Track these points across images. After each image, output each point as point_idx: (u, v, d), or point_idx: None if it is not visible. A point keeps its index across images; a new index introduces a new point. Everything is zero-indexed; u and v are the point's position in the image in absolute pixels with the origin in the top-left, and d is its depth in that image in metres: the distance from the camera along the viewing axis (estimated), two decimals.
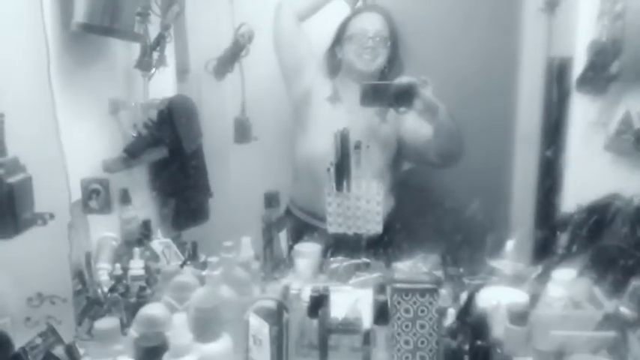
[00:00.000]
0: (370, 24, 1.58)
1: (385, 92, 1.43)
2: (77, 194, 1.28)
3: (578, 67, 1.49)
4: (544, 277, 1.23)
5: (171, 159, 1.69)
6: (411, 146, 1.63)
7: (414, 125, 1.57)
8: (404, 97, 1.42)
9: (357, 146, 1.39)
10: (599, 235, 1.33)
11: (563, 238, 1.41)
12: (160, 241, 1.50)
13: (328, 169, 1.41)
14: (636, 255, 1.21)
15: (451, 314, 1.09)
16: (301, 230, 1.57)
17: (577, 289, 1.16)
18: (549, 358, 0.97)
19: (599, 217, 1.36)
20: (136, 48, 1.53)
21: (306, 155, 1.65)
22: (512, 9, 1.79)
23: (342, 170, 1.40)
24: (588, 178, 1.48)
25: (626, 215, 1.29)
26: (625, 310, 1.10)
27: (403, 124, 1.62)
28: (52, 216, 1.00)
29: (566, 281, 1.15)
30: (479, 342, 1.03)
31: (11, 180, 0.92)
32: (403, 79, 1.43)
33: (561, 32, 1.67)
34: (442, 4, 1.84)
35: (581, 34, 1.49)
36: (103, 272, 1.34)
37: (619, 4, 1.37)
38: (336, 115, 1.61)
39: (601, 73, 1.43)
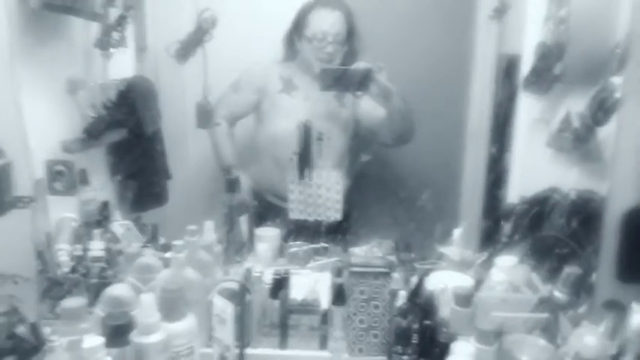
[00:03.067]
0: (330, 26, 1.60)
1: (343, 77, 1.49)
2: (36, 174, 1.27)
3: (525, 66, 1.58)
4: (488, 263, 1.31)
5: (131, 140, 1.67)
6: (366, 127, 1.70)
7: (369, 108, 1.63)
8: (360, 81, 1.48)
9: (320, 138, 1.44)
10: (539, 225, 1.43)
11: (506, 228, 1.51)
12: (119, 223, 1.51)
13: (291, 159, 1.45)
14: (570, 244, 1.31)
15: (402, 296, 1.15)
16: (267, 210, 1.61)
17: (517, 274, 1.25)
18: (489, 337, 1.05)
19: (539, 209, 1.45)
20: (95, 27, 1.51)
21: (269, 142, 1.69)
22: (466, 9, 1.86)
23: (304, 160, 1.45)
24: (531, 172, 1.57)
25: (563, 208, 1.39)
26: (558, 295, 1.20)
27: (359, 106, 1.68)
28: (32, 199, 1.00)
29: (507, 267, 1.24)
30: (427, 322, 1.10)
31: None
32: (360, 65, 1.49)
33: (511, 32, 1.76)
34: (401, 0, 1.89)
35: (528, 35, 1.57)
36: (63, 253, 1.33)
37: (563, 9, 1.44)
38: (294, 102, 1.65)
39: (545, 74, 1.51)
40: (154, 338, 0.92)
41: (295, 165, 1.45)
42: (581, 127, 1.43)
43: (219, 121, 1.69)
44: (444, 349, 1.05)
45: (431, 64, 1.87)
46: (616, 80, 1.26)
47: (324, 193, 1.47)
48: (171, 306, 0.97)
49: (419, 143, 1.74)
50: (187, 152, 1.92)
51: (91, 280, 1.25)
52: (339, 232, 1.53)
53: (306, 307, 1.15)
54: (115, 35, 1.53)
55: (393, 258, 1.42)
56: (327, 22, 1.62)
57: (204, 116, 1.68)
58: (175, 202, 1.81)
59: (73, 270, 1.28)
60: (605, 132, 1.33)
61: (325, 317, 1.15)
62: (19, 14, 1.23)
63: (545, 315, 1.14)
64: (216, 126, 1.69)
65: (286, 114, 1.62)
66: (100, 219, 1.47)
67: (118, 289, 1.08)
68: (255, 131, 1.75)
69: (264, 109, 1.70)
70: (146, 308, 0.93)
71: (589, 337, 1.01)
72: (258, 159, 1.75)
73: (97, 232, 1.38)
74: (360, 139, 1.75)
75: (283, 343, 1.13)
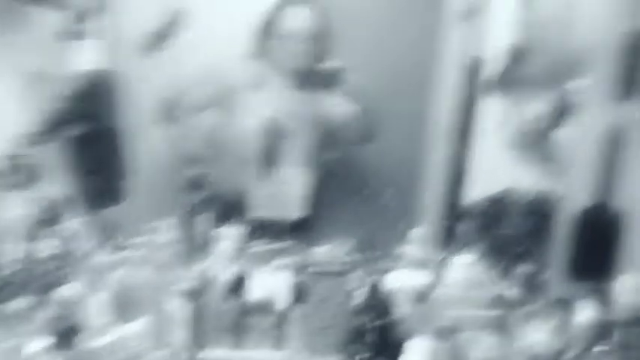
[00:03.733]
0: (301, 24, 1.60)
1: (313, 76, 1.49)
2: None
3: (489, 68, 1.60)
4: (446, 262, 1.33)
5: (89, 135, 1.64)
6: (333, 124, 1.70)
7: (337, 105, 1.64)
8: (330, 80, 1.49)
9: (285, 135, 1.44)
10: (496, 224, 1.46)
11: (464, 227, 1.53)
12: (74, 221, 1.47)
13: (255, 154, 1.44)
14: (525, 244, 1.34)
15: (359, 295, 1.16)
16: (229, 208, 1.59)
17: (473, 272, 1.27)
18: (445, 334, 1.06)
19: (496, 209, 1.49)
20: (59, 18, 1.48)
21: (233, 138, 1.67)
22: (435, 9, 1.88)
23: (269, 157, 1.44)
24: (490, 172, 1.60)
25: (519, 208, 1.42)
26: (512, 292, 1.23)
27: (328, 103, 1.69)
28: None
29: (464, 265, 1.27)
30: (383, 320, 1.11)
31: None
32: (331, 63, 1.51)
33: (477, 35, 1.78)
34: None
35: (494, 38, 1.60)
36: (14, 252, 1.30)
37: (529, 13, 1.48)
38: (261, 99, 1.64)
39: (508, 76, 1.55)
40: (104, 340, 0.90)
41: (260, 162, 1.45)
42: (540, 128, 1.46)
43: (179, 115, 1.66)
44: (400, 346, 1.06)
45: (397, 63, 1.88)
46: (576, 84, 1.29)
47: (287, 190, 1.46)
48: (123, 307, 0.95)
49: (383, 142, 1.75)
50: (147, 148, 1.89)
51: (39, 280, 1.21)
52: (301, 230, 1.52)
53: (262, 308, 1.14)
54: (79, 27, 1.49)
55: (353, 257, 1.42)
56: (297, 21, 1.61)
57: (170, 112, 1.66)
58: (133, 200, 1.77)
59: (23, 269, 1.24)
60: (563, 134, 1.37)
61: (282, 317, 1.15)
62: None
63: (498, 312, 1.16)
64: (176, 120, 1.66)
65: (252, 111, 1.60)
66: (54, 216, 1.44)
67: (66, 290, 1.05)
68: (218, 128, 1.72)
69: (229, 106, 1.68)
70: (97, 309, 0.91)
71: (539, 333, 1.03)
72: (221, 156, 1.72)
73: (50, 230, 1.35)
74: (327, 138, 1.75)
75: (239, 344, 1.12)
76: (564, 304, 1.07)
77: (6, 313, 0.93)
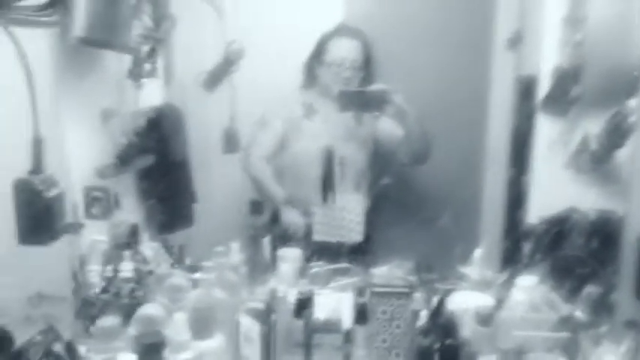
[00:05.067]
0: (348, 53, 1.68)
1: (360, 98, 1.55)
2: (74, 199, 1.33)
3: (542, 89, 1.61)
4: (509, 283, 1.33)
5: (159, 166, 1.74)
6: (384, 146, 1.75)
7: (387, 127, 1.69)
8: (377, 102, 1.55)
9: (342, 162, 1.49)
10: (559, 245, 1.44)
11: (526, 248, 1.52)
12: (148, 245, 1.56)
13: (314, 181, 1.50)
14: (590, 264, 1.32)
15: (424, 316, 1.18)
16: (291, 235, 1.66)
17: (537, 294, 1.26)
18: (510, 356, 1.06)
19: (558, 229, 1.47)
20: (127, 58, 1.59)
21: (291, 164, 1.74)
22: (484, 31, 1.91)
23: (327, 184, 1.49)
24: (550, 193, 1.59)
25: (583, 228, 1.40)
26: (579, 314, 1.21)
27: (378, 125, 1.74)
28: (81, 226, 1.07)
29: (527, 287, 1.25)
30: (448, 341, 1.12)
31: (49, 195, 0.99)
32: (377, 86, 1.55)
33: (529, 55, 1.79)
34: (418, 26, 1.95)
35: (545, 58, 1.60)
36: (94, 274, 1.39)
37: (579, 33, 1.48)
38: (315, 126, 1.71)
39: (563, 97, 1.54)
40: (185, 356, 0.96)
41: (319, 189, 1.50)
42: (598, 148, 1.45)
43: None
44: None
45: (449, 86, 1.91)
46: (632, 103, 1.28)
47: (346, 215, 1.51)
48: (200, 325, 1.01)
49: (439, 164, 1.78)
50: (213, 177, 1.98)
51: (122, 300, 1.30)
52: (359, 253, 1.56)
53: (329, 327, 1.17)
54: (146, 66, 1.60)
55: (413, 278, 1.44)
56: (345, 50, 1.69)
57: (231, 142, 1.75)
58: (201, 225, 1.86)
59: (104, 290, 1.32)
60: (623, 153, 1.35)
61: (348, 336, 1.18)
62: (59, 49, 1.31)
63: (565, 334, 1.14)
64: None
65: (308, 137, 1.68)
66: (129, 241, 1.53)
67: (149, 309, 1.13)
68: (279, 156, 1.80)
69: (288, 135, 1.76)
70: (177, 327, 0.97)
71: (610, 356, 1.02)
72: (281, 182, 1.79)
73: (126, 253, 1.43)
74: (380, 160, 1.79)
75: None
76: (635, 326, 1.05)
77: (97, 330, 1.00)
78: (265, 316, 1.08)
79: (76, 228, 1.07)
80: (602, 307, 1.20)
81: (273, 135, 1.76)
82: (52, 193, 1.00)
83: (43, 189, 0.98)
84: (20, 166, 1.02)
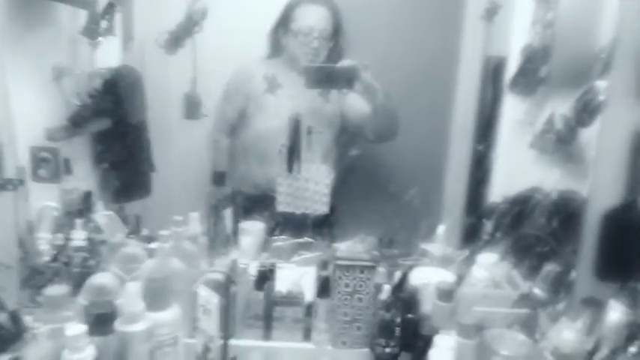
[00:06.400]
0: (316, 21, 1.62)
1: (328, 75, 1.50)
2: (20, 160, 1.26)
3: (511, 68, 1.60)
4: (470, 260, 1.33)
5: (115, 130, 1.66)
6: (351, 122, 1.72)
7: (355, 103, 1.65)
8: (345, 79, 1.50)
9: (309, 131, 1.45)
10: (520, 224, 1.46)
11: (488, 226, 1.53)
12: (102, 213, 1.49)
13: (280, 151, 1.45)
14: (550, 243, 1.34)
15: (386, 290, 1.17)
16: (251, 206, 1.61)
17: (498, 271, 1.27)
18: (470, 331, 1.07)
19: (521, 208, 1.48)
20: (82, 14, 1.49)
21: (254, 140, 1.69)
22: (454, 8, 1.88)
23: (293, 153, 1.45)
24: (514, 172, 1.60)
25: (544, 207, 1.42)
26: (538, 292, 1.23)
27: (345, 102, 1.70)
28: (21, 182, 1.00)
29: (488, 264, 1.26)
30: (410, 315, 1.12)
31: None
32: (345, 62, 1.51)
33: (498, 34, 1.78)
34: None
35: (515, 37, 1.60)
36: (44, 241, 1.32)
37: (550, 13, 1.47)
38: (279, 101, 1.66)
39: (531, 76, 1.54)
40: (138, 327, 0.92)
41: (284, 158, 1.46)
42: (564, 128, 1.45)
43: (206, 114, 1.68)
44: (426, 342, 1.07)
45: (418, 62, 1.89)
46: (600, 84, 1.29)
47: (311, 186, 1.47)
48: (155, 295, 0.97)
49: (406, 140, 1.76)
50: (172, 144, 1.91)
51: (72, 269, 1.24)
52: (325, 225, 1.53)
53: (291, 300, 1.15)
54: (103, 24, 1.51)
55: (376, 253, 1.43)
56: (313, 18, 1.63)
57: (192, 107, 1.68)
58: (158, 194, 1.80)
59: (55, 259, 1.26)
60: (588, 134, 1.36)
61: (309, 309, 1.16)
62: (7, 1, 1.21)
63: (524, 311, 1.16)
64: (203, 117, 1.68)
65: (272, 113, 1.63)
66: (82, 208, 1.46)
67: (101, 278, 1.07)
68: (241, 132, 1.75)
69: (250, 111, 1.71)
70: (131, 297, 0.92)
71: (567, 332, 1.03)
72: (243, 157, 1.75)
73: (79, 221, 1.37)
74: (347, 134, 1.76)
75: (267, 335, 1.14)
76: (592, 304, 1.07)
77: (45, 299, 0.95)
78: (225, 287, 1.05)
79: (14, 184, 0.99)
80: (560, 285, 1.23)
81: (235, 108, 1.73)
82: None
83: None
84: None
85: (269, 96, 1.67)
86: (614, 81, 1.21)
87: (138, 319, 0.92)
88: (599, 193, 1.21)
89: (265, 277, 1.16)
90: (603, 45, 1.29)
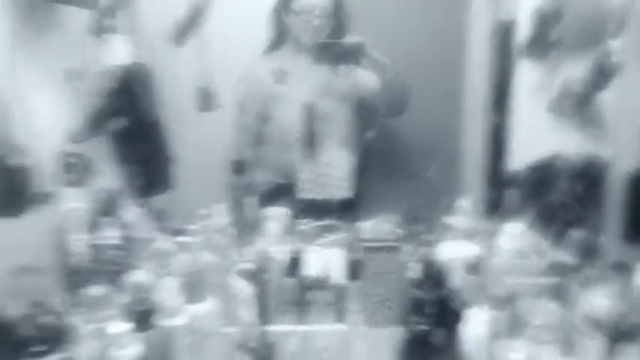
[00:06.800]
0: (317, 0, 1.60)
1: (335, 50, 1.51)
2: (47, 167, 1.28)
3: (522, 32, 1.58)
4: (495, 231, 1.33)
5: (133, 128, 1.68)
6: (364, 97, 1.72)
7: (365, 77, 1.65)
8: (352, 55, 1.51)
9: (324, 117, 1.46)
10: (544, 191, 1.45)
11: (511, 195, 1.53)
12: (129, 210, 1.52)
13: (297, 139, 1.46)
14: (575, 209, 1.33)
15: (414, 268, 1.18)
16: (275, 194, 1.63)
17: (525, 241, 1.27)
18: (502, 303, 1.08)
19: (542, 175, 1.48)
20: (89, 15, 1.50)
21: (273, 130, 1.70)
22: None
23: (310, 140, 1.46)
24: (533, 138, 1.59)
25: (567, 173, 1.41)
26: (566, 258, 1.23)
27: (356, 74, 1.69)
28: (51, 194, 1.02)
29: (515, 234, 1.26)
30: (439, 291, 1.13)
31: (10, 163, 0.93)
32: (352, 39, 1.50)
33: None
34: None
35: (525, 2, 1.57)
36: (78, 242, 1.35)
37: None
38: (291, 89, 1.66)
39: (543, 40, 1.52)
40: (179, 321, 0.95)
41: (302, 145, 1.47)
42: (580, 91, 1.44)
43: (221, 104, 1.69)
44: (458, 316, 1.08)
45: (425, 34, 1.86)
46: (614, 44, 1.27)
47: (331, 171, 1.48)
48: (192, 289, 0.99)
49: (419, 116, 1.75)
50: (190, 136, 1.92)
51: (108, 267, 1.27)
52: (347, 209, 1.54)
53: (321, 283, 1.17)
54: (106, 21, 1.52)
55: (400, 231, 1.44)
56: None
57: (206, 99, 1.69)
58: (181, 187, 1.82)
59: (90, 259, 1.29)
60: (606, 96, 1.35)
61: (340, 292, 1.18)
62: (15, 6, 1.22)
63: (554, 279, 1.16)
64: (218, 108, 1.69)
65: (287, 102, 1.63)
66: (110, 207, 1.49)
67: (138, 275, 1.10)
68: (264, 129, 1.76)
69: (266, 108, 1.71)
70: (168, 292, 0.95)
71: (598, 298, 1.04)
72: (267, 147, 1.76)
73: (108, 220, 1.40)
74: (362, 112, 1.76)
75: (301, 319, 1.16)
76: (622, 268, 1.07)
77: (85, 299, 0.98)
78: (257, 276, 1.07)
79: (45, 197, 1.02)
80: (588, 251, 1.23)
81: (253, 118, 1.72)
82: (14, 161, 0.95)
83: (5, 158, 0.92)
84: None
85: (280, 87, 1.67)
86: (628, 40, 1.19)
87: (177, 313, 0.95)
88: (622, 156, 1.21)
89: (295, 264, 1.17)
90: (615, 4, 1.26)
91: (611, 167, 1.22)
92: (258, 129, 1.74)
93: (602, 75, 1.34)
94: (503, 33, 1.73)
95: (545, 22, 1.50)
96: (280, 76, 1.66)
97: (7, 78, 1.15)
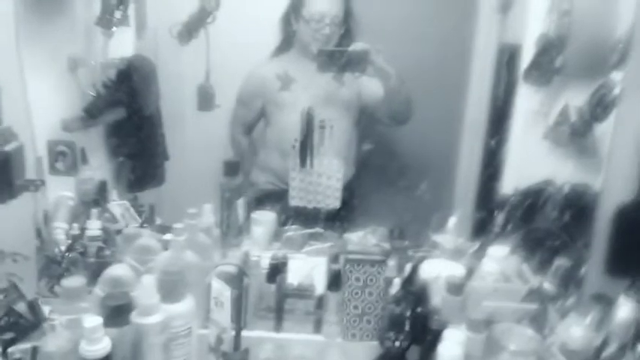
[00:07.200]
0: (329, 7, 1.61)
1: (340, 58, 1.50)
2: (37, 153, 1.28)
3: (526, 57, 1.58)
4: (480, 253, 1.33)
5: (129, 120, 1.68)
6: (368, 106, 1.72)
7: (370, 85, 1.65)
8: (357, 62, 1.51)
9: (322, 126, 1.45)
10: (532, 217, 1.45)
11: (499, 218, 1.53)
12: (117, 203, 1.51)
13: (293, 146, 1.47)
14: (562, 237, 1.33)
15: (396, 283, 1.18)
16: (266, 196, 1.63)
17: (508, 265, 1.27)
18: (479, 326, 1.07)
19: (532, 201, 1.48)
20: (96, 5, 1.50)
21: (276, 136, 1.71)
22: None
23: (305, 148, 1.46)
24: (526, 163, 1.59)
25: (557, 201, 1.41)
26: (548, 286, 1.23)
27: (360, 83, 1.70)
28: (42, 182, 1.02)
29: (499, 257, 1.26)
30: (419, 309, 1.13)
31: (7, 148, 0.93)
32: (357, 46, 1.51)
33: (513, 22, 1.76)
34: None
35: (530, 26, 1.57)
36: (60, 231, 1.35)
37: (566, 1, 1.44)
38: (295, 95, 1.66)
39: (546, 66, 1.52)
40: (153, 319, 0.94)
41: (297, 153, 1.47)
42: (578, 121, 1.43)
43: (219, 105, 1.69)
44: (436, 336, 1.07)
45: (430, 50, 1.87)
46: (616, 76, 1.27)
47: (324, 181, 1.48)
48: (170, 287, 0.99)
49: (417, 132, 1.76)
50: (185, 134, 1.93)
51: (88, 259, 1.26)
52: (336, 219, 1.54)
53: (302, 292, 1.17)
54: (117, 14, 1.52)
55: (386, 245, 1.43)
56: (324, 3, 1.62)
57: (205, 99, 1.69)
58: (172, 183, 1.82)
59: (70, 248, 1.29)
60: (603, 128, 1.35)
61: (320, 302, 1.17)
62: None
63: (534, 305, 1.16)
64: (216, 108, 1.69)
65: (290, 108, 1.63)
66: (97, 198, 1.49)
67: (117, 270, 1.10)
68: (264, 130, 1.77)
69: (269, 110, 1.73)
70: (147, 289, 0.94)
71: (576, 328, 1.04)
72: (264, 151, 1.77)
73: (94, 211, 1.39)
74: (362, 123, 1.77)
75: (278, 327, 1.16)
76: (602, 300, 1.07)
77: (62, 290, 0.97)
78: (237, 280, 1.07)
79: (37, 185, 1.02)
80: (570, 280, 1.23)
81: (252, 110, 1.77)
82: (10, 146, 0.94)
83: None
84: None
85: (284, 93, 1.68)
86: (630, 72, 1.19)
87: (153, 312, 0.94)
88: (613, 188, 1.21)
89: (277, 270, 1.17)
90: (620, 35, 1.27)
91: (600, 198, 1.22)
92: (251, 120, 1.78)
93: (602, 106, 1.34)
94: (508, 56, 1.74)
95: (549, 48, 1.51)
96: (286, 82, 1.67)
97: (8, 62, 1.14)
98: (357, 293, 1.14)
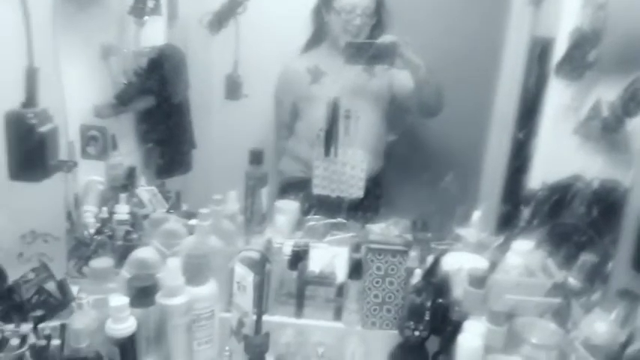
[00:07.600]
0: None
1: (368, 50, 1.49)
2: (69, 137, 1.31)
3: (558, 51, 1.55)
4: (504, 247, 1.32)
5: (159, 108, 1.71)
6: (398, 98, 1.71)
7: (401, 77, 1.65)
8: (386, 55, 1.49)
9: (347, 115, 1.46)
10: (559, 212, 1.43)
11: (525, 213, 1.51)
12: (145, 188, 1.55)
13: (318, 135, 1.47)
14: (589, 233, 1.31)
15: (418, 274, 1.18)
16: (289, 187, 1.65)
17: (533, 259, 1.26)
18: (501, 318, 1.07)
19: (560, 196, 1.45)
20: None
21: (306, 128, 1.72)
22: None
23: (330, 137, 1.47)
24: (555, 158, 1.56)
25: (585, 196, 1.38)
26: (572, 281, 1.21)
27: (391, 75, 1.69)
28: (75, 163, 1.05)
29: (523, 251, 1.24)
30: (440, 300, 1.13)
31: (42, 129, 0.96)
32: (386, 38, 1.50)
33: (546, 15, 1.72)
34: None
35: (564, 19, 1.54)
36: (89, 214, 1.39)
37: None
38: (325, 88, 1.66)
39: (579, 61, 1.49)
40: (178, 300, 0.96)
41: (321, 141, 1.47)
42: (610, 116, 1.41)
43: (247, 94, 1.71)
44: (456, 327, 1.07)
45: (461, 42, 1.84)
46: None
47: (348, 170, 1.49)
48: (195, 271, 1.01)
49: (445, 124, 1.74)
50: (212, 123, 1.95)
51: (116, 242, 1.30)
52: (359, 209, 1.55)
53: (323, 280, 1.18)
54: (150, 3, 1.55)
55: (409, 236, 1.43)
56: None
57: (234, 88, 1.71)
58: (198, 171, 1.85)
59: (99, 231, 1.33)
60: (635, 123, 1.32)
61: (341, 290, 1.18)
62: None
63: (557, 300, 1.15)
64: (244, 97, 1.71)
65: (320, 101, 1.63)
66: (126, 183, 1.52)
67: (144, 252, 1.13)
68: (297, 126, 1.78)
69: (300, 106, 1.73)
70: (172, 271, 0.97)
71: (600, 323, 1.02)
72: (294, 142, 1.78)
73: (123, 196, 1.43)
74: (390, 115, 1.76)
75: (299, 313, 1.17)
76: (628, 296, 1.05)
77: (90, 271, 1.01)
78: (260, 265, 1.08)
79: (69, 166, 1.05)
80: (596, 276, 1.20)
81: (285, 110, 1.78)
82: (46, 127, 0.97)
83: (36, 123, 0.95)
84: (13, 99, 0.99)
85: (314, 86, 1.68)
86: None
87: (177, 293, 0.97)
88: None
89: (299, 257, 1.18)
90: None
91: (629, 195, 1.19)
92: (288, 121, 1.78)
93: (635, 101, 1.31)
94: (540, 49, 1.70)
95: (583, 42, 1.47)
96: (316, 75, 1.67)
97: (44, 47, 1.17)
98: (377, 282, 1.15)
